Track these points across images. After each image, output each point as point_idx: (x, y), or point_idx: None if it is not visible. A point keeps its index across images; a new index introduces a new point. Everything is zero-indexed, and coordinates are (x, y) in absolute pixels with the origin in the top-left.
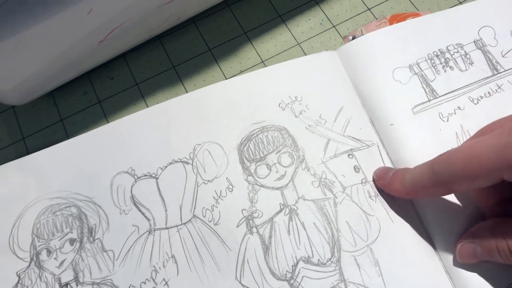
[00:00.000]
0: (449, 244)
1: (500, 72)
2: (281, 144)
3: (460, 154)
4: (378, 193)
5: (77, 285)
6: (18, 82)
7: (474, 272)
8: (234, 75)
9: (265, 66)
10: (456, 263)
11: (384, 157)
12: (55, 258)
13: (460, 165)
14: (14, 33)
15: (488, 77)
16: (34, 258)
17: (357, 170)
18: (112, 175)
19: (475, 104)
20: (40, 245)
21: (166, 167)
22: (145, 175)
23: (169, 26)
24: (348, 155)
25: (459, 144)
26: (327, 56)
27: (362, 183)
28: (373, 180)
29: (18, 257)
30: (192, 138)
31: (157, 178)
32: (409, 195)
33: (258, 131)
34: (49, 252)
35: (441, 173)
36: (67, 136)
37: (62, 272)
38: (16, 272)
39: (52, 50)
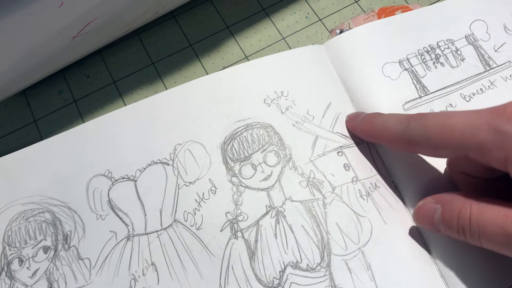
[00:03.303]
0: (443, 247)
1: (493, 68)
2: (266, 143)
3: (437, 120)
4: (369, 192)
5: None
6: None
7: (472, 275)
8: (216, 71)
9: None
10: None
11: (374, 154)
12: (27, 268)
13: (434, 131)
14: None
15: (480, 73)
16: (5, 268)
17: (347, 168)
18: (88, 178)
19: (467, 101)
20: (12, 253)
21: (145, 168)
22: (123, 178)
23: (147, 20)
24: (338, 152)
25: None
26: (314, 50)
27: (352, 182)
28: (346, 122)
29: None
30: (172, 137)
31: (136, 180)
32: (373, 138)
33: (242, 129)
34: (21, 261)
35: (413, 132)
36: (41, 137)
37: (36, 282)
38: None
39: (22, 46)
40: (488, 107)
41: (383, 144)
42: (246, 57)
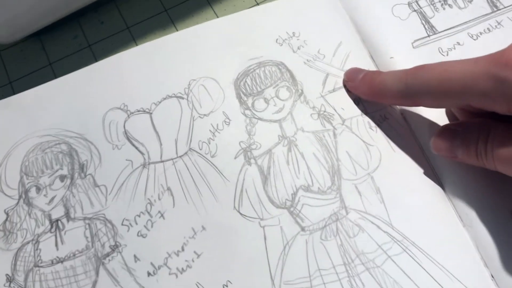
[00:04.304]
0: (451, 172)
1: (500, 9)
2: (279, 79)
3: (435, 73)
4: (379, 123)
5: (68, 220)
6: (6, 18)
7: (477, 197)
8: None
9: None
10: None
11: None
12: (44, 195)
13: (433, 84)
14: None
15: (487, 14)
16: (23, 196)
17: (356, 102)
18: (104, 111)
19: (475, 40)
20: (29, 182)
21: (160, 102)
22: (138, 111)
23: None
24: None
25: None
26: None
27: (362, 115)
28: (343, 82)
29: (6, 195)
30: (186, 73)
31: (151, 113)
32: (374, 98)
33: (255, 66)
34: (38, 189)
35: (413, 88)
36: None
37: (52, 208)
38: (4, 210)
39: None
40: (485, 55)
41: (385, 103)
42: (258, 3)
